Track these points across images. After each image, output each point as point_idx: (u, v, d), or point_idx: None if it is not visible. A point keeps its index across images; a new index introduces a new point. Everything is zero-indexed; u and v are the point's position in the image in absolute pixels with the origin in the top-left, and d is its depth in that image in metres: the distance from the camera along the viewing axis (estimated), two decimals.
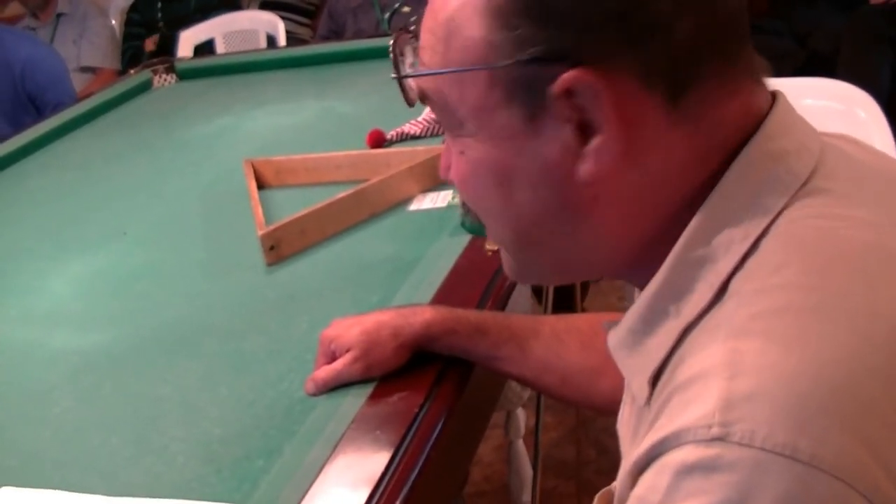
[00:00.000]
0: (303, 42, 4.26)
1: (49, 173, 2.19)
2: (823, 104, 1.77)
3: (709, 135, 0.63)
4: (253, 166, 1.73)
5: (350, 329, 1.06)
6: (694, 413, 0.54)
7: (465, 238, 1.35)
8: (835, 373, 0.53)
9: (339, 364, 1.05)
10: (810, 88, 1.82)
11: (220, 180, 1.86)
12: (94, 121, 2.53)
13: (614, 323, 0.70)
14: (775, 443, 0.51)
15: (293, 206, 1.53)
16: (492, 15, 0.61)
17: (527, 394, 1.81)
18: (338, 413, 1.00)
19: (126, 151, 2.23)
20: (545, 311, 1.74)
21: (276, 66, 2.74)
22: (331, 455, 0.94)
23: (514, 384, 1.72)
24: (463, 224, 1.37)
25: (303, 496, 0.89)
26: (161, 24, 4.43)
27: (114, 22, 4.73)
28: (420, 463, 0.92)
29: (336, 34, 3.78)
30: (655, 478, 0.55)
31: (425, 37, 0.67)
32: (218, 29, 3.94)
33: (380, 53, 2.64)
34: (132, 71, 2.88)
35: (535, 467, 1.88)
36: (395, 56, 0.77)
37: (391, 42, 0.78)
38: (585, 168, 0.62)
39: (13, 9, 4.65)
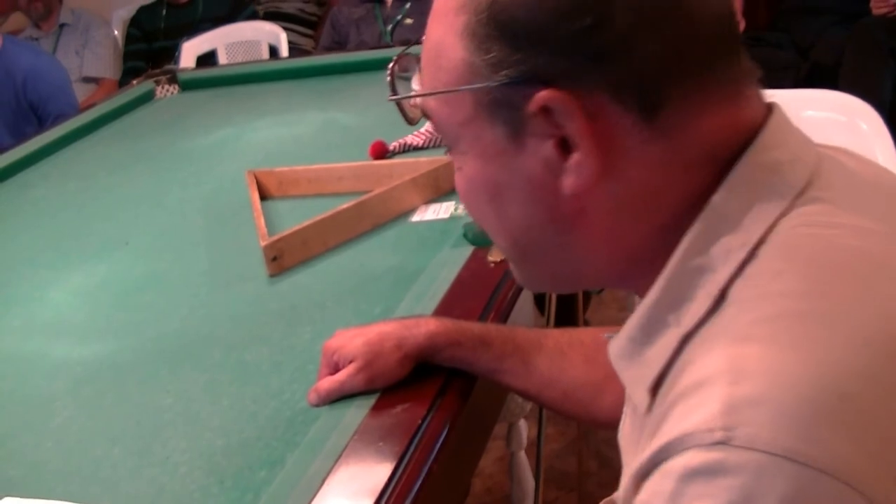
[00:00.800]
0: (305, 53, 4.27)
1: (51, 183, 2.19)
2: (825, 116, 1.78)
3: (691, 148, 0.64)
4: (255, 177, 1.74)
5: (353, 340, 1.06)
6: (697, 418, 0.54)
7: (468, 249, 1.35)
8: (836, 377, 0.54)
9: (341, 375, 1.05)
10: (812, 100, 1.82)
11: (222, 191, 1.86)
12: (96, 131, 2.53)
13: (615, 333, 0.71)
14: (778, 446, 0.51)
15: (296, 217, 1.53)
16: (468, 38, 0.65)
17: (529, 406, 1.80)
18: (340, 424, 1.00)
19: (128, 162, 2.23)
20: (547, 323, 1.74)
21: (279, 76, 2.75)
22: (333, 466, 0.94)
23: (516, 396, 1.72)
24: (465, 235, 1.37)
25: None
26: (162, 34, 4.43)
27: (116, 32, 4.74)
28: (423, 474, 0.92)
29: (339, 45, 3.79)
30: (659, 483, 0.55)
31: (422, 58, 0.71)
32: (220, 40, 3.95)
33: (382, 65, 2.62)
34: (134, 81, 2.88)
35: (536, 479, 1.87)
36: (392, 78, 0.83)
37: (389, 65, 0.83)
38: (568, 182, 0.64)
39: (16, 19, 4.66)
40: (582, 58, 0.61)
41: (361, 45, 3.60)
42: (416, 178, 1.59)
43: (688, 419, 0.55)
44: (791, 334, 0.56)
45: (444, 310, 1.19)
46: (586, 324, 2.47)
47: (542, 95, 0.62)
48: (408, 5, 3.60)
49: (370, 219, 1.54)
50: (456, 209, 1.53)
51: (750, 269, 0.61)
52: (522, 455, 1.89)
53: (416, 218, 1.56)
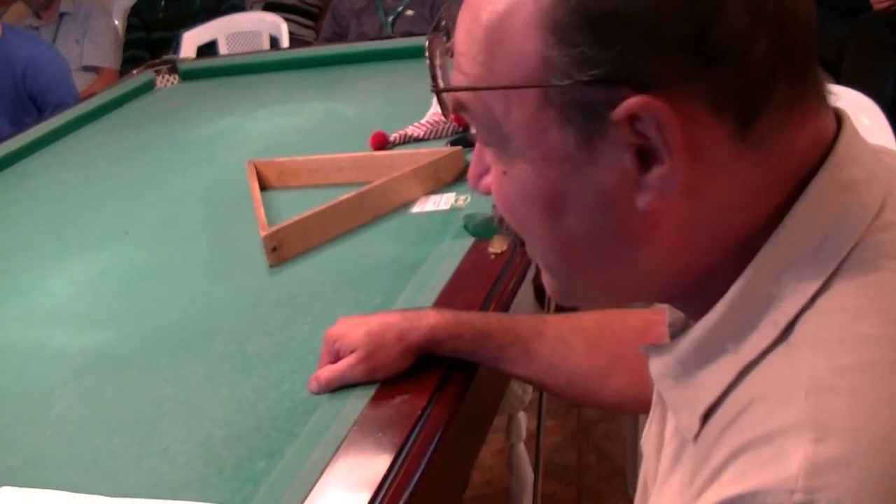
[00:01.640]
0: (306, 44, 4.26)
1: (51, 173, 2.19)
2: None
3: (778, 164, 0.58)
4: (255, 167, 1.73)
5: (355, 329, 1.05)
6: (775, 474, 0.50)
7: (469, 241, 1.35)
8: None
9: (342, 365, 1.04)
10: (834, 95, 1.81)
11: (222, 181, 1.86)
12: (96, 120, 2.53)
13: (656, 348, 0.66)
14: None
15: (296, 207, 1.53)
16: (549, 29, 0.56)
17: (528, 397, 1.81)
18: (340, 415, 1.00)
19: (128, 151, 2.23)
20: (547, 312, 1.73)
21: (279, 67, 2.74)
22: (332, 457, 0.94)
23: (515, 388, 1.72)
24: (466, 227, 1.37)
25: (304, 498, 0.89)
26: (161, 24, 4.43)
27: (117, 22, 4.73)
28: (422, 466, 0.92)
29: (339, 36, 3.79)
30: None
31: (463, 40, 0.61)
32: (221, 30, 3.94)
33: (383, 56, 2.66)
34: (135, 71, 2.88)
35: (535, 471, 1.87)
36: (431, 63, 0.70)
37: (426, 45, 0.70)
38: (646, 197, 0.57)
39: (16, 10, 4.65)
40: (689, 60, 0.54)
41: (362, 36, 3.59)
42: (416, 169, 1.59)
43: (763, 473, 0.51)
44: (882, 388, 0.51)
45: (444, 301, 1.19)
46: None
47: (635, 102, 0.54)
48: None
49: (370, 210, 1.54)
50: (456, 200, 1.52)
51: (824, 303, 0.55)
52: (522, 447, 1.89)
53: (416, 209, 1.55)
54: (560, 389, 1.09)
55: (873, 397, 0.51)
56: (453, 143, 1.70)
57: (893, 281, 0.56)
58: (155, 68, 2.80)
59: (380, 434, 0.96)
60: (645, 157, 0.56)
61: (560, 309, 1.79)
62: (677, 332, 0.66)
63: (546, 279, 0.70)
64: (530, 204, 0.62)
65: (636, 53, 0.54)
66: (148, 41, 4.48)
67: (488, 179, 0.66)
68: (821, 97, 0.60)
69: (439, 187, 1.60)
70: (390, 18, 3.60)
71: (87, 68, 4.38)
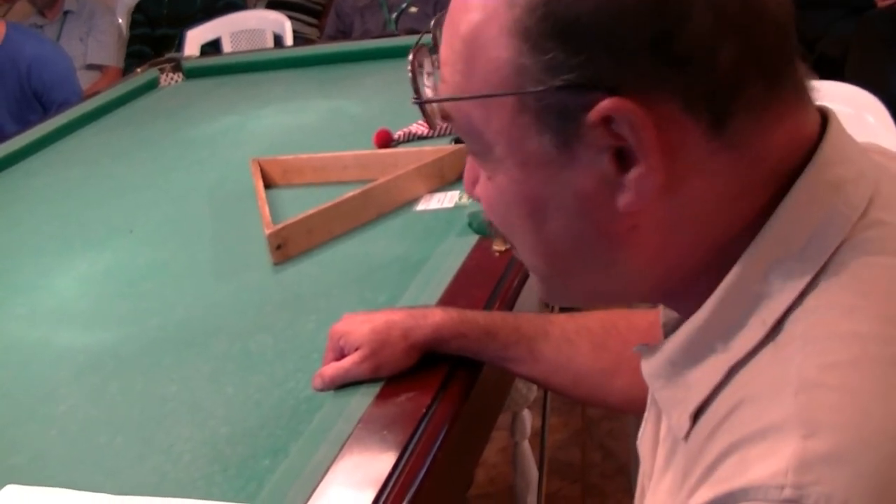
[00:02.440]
0: (310, 42, 4.27)
1: (55, 171, 2.19)
2: (832, 108, 1.77)
3: (754, 163, 0.58)
4: (260, 165, 1.73)
5: (360, 326, 1.05)
6: (764, 471, 0.50)
7: (473, 238, 1.34)
8: None
9: (347, 362, 1.04)
10: (818, 92, 1.81)
11: (226, 179, 1.86)
12: (100, 119, 2.53)
13: (648, 348, 0.67)
14: None
15: (300, 205, 1.53)
16: (520, 37, 0.57)
17: (532, 395, 1.81)
18: (344, 413, 1.00)
19: (132, 149, 2.23)
20: (552, 311, 1.73)
21: (283, 65, 2.74)
22: (337, 455, 0.93)
23: (520, 386, 1.71)
24: (470, 225, 1.37)
25: (309, 496, 0.89)
26: (165, 21, 4.44)
27: (120, 20, 4.74)
28: (427, 464, 0.92)
29: (343, 34, 3.79)
30: None
31: (445, 51, 0.63)
32: (225, 28, 3.95)
33: (387, 54, 2.65)
34: (139, 69, 2.88)
35: (540, 469, 1.88)
36: (413, 76, 0.72)
37: (409, 59, 0.72)
38: (624, 198, 0.58)
39: (21, 8, 4.65)
40: (658, 63, 0.55)
41: (366, 34, 3.59)
42: (420, 167, 1.58)
43: (753, 470, 0.51)
44: (872, 383, 0.51)
45: (448, 299, 1.19)
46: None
47: (607, 104, 0.55)
48: None
49: (375, 208, 1.54)
50: (460, 198, 1.52)
51: (812, 301, 0.56)
52: (526, 445, 1.90)
53: (420, 207, 1.55)
54: (565, 389, 1.08)
55: (862, 393, 0.51)
56: (458, 141, 1.69)
57: (880, 277, 0.56)
58: (159, 66, 2.80)
59: (384, 432, 0.96)
60: (624, 159, 0.57)
61: (565, 308, 1.79)
62: (670, 332, 0.66)
63: (533, 280, 0.71)
64: (514, 209, 0.63)
65: (605, 58, 0.55)
66: (152, 37, 4.49)
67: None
68: (800, 95, 0.61)
69: (443, 185, 1.60)
70: (394, 15, 3.59)
71: (90, 66, 4.39)
